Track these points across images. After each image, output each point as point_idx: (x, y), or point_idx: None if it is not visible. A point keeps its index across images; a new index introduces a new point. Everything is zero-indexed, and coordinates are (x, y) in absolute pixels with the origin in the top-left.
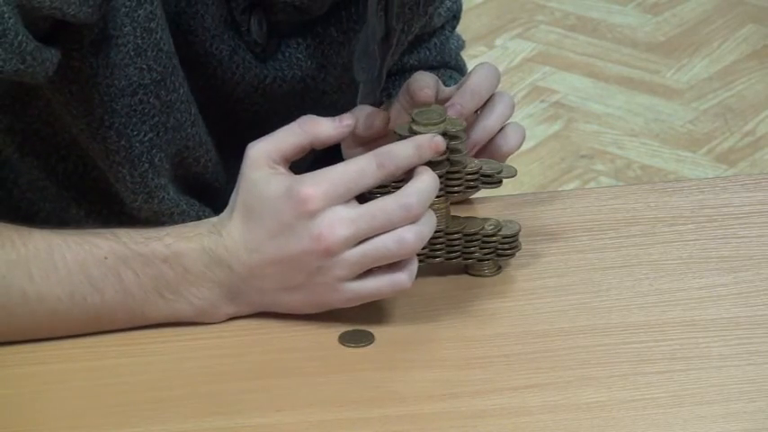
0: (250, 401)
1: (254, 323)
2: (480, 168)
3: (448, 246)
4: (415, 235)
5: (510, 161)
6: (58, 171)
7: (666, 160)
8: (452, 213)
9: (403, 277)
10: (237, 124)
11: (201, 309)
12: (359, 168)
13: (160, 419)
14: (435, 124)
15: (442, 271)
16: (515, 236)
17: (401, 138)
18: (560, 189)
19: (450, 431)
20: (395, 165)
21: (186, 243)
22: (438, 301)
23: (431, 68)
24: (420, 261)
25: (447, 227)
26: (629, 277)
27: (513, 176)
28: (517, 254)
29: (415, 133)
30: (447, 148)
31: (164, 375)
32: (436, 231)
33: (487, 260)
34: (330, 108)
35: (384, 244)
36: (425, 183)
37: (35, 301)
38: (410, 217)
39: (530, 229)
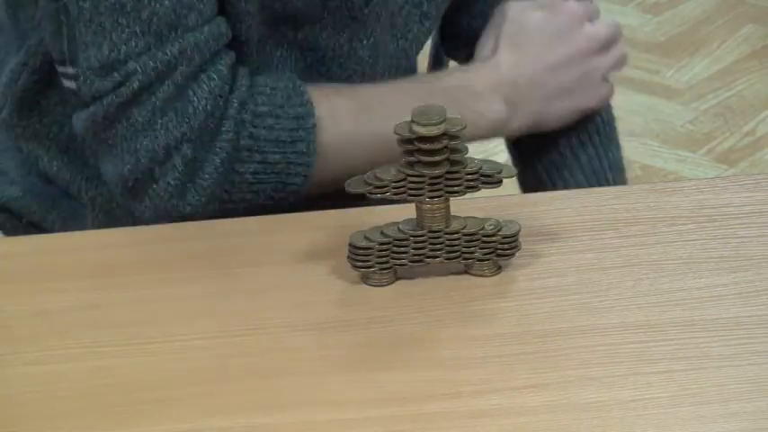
0: (250, 401)
1: (254, 323)
2: (480, 168)
3: (448, 246)
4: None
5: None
6: None
7: (666, 160)
8: (452, 213)
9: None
10: None
11: (495, 121)
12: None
13: (160, 419)
14: (435, 124)
15: (441, 271)
16: (515, 236)
17: (401, 138)
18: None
19: (450, 431)
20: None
21: (464, 74)
22: (438, 301)
23: None
24: (420, 261)
25: (447, 227)
26: (629, 277)
27: (513, 176)
28: (517, 254)
29: (414, 133)
30: (446, 147)
31: (164, 375)
32: (436, 231)
33: (487, 260)
34: None
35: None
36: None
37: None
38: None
39: (530, 229)
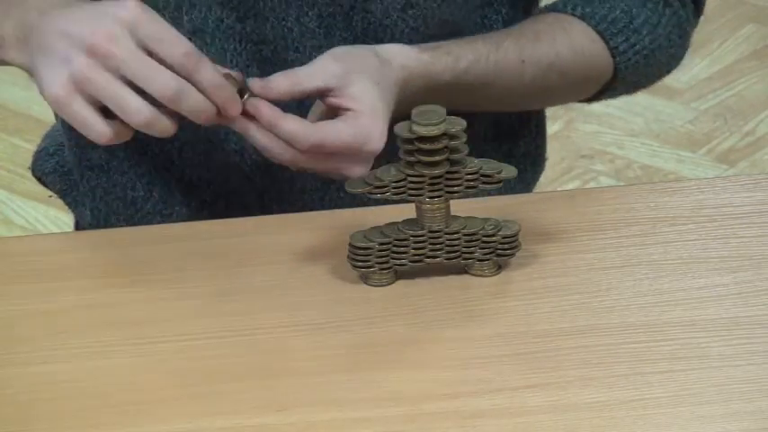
0: (250, 401)
1: (253, 323)
2: (480, 168)
3: (448, 246)
4: (156, 120)
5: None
6: None
7: (666, 160)
8: (452, 213)
9: (101, 129)
10: None
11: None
12: (171, 46)
13: (160, 419)
14: (435, 124)
15: (441, 271)
16: (515, 236)
17: (401, 138)
18: (560, 189)
19: (450, 431)
20: (177, 101)
21: None
22: (438, 301)
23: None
24: (420, 261)
25: (447, 227)
26: (629, 277)
27: (513, 177)
28: (517, 254)
29: (414, 133)
30: (446, 147)
31: (164, 375)
32: (436, 231)
33: (487, 260)
34: None
35: (130, 102)
36: (196, 100)
37: None
38: (165, 97)
39: (530, 229)
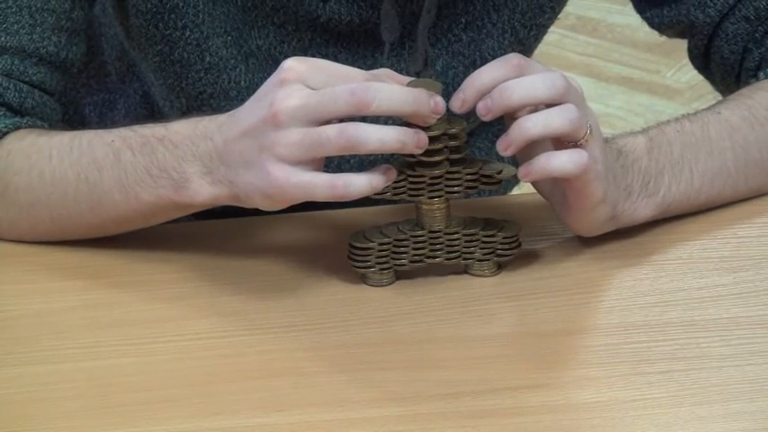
0: (250, 401)
1: (254, 323)
2: (480, 168)
3: (448, 246)
4: (356, 128)
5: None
6: None
7: None
8: (452, 213)
9: (339, 183)
10: None
11: (179, 183)
12: (345, 74)
13: (160, 419)
14: (435, 124)
15: (441, 271)
16: (515, 236)
17: None
18: None
19: (449, 431)
20: (371, 99)
21: (184, 124)
22: (438, 301)
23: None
24: (420, 261)
25: (447, 227)
26: (629, 277)
27: (513, 176)
28: (517, 254)
29: None
30: (446, 147)
31: (164, 375)
32: (436, 231)
33: (487, 260)
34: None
35: (325, 130)
36: (391, 88)
37: (50, 181)
38: (355, 102)
39: (530, 229)
